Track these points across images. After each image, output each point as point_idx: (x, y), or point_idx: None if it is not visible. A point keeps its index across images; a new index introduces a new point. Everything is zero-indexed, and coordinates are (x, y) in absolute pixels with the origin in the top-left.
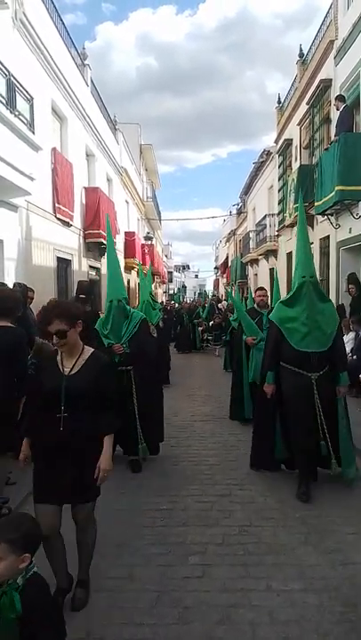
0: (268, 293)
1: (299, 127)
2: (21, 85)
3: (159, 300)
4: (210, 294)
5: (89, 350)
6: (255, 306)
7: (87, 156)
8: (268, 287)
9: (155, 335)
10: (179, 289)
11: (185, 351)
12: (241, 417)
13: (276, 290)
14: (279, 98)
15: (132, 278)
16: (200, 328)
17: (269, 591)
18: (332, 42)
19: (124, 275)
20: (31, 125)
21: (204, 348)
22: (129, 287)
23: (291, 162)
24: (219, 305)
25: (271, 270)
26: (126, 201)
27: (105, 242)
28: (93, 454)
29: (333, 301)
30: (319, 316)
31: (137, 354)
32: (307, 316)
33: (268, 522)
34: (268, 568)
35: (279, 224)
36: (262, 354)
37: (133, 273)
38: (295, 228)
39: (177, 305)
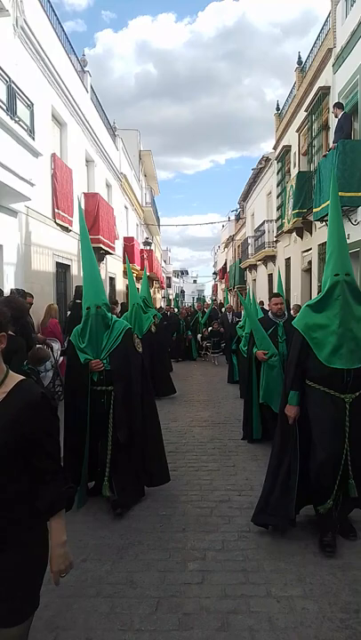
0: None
1: (297, 134)
2: (22, 91)
3: (158, 305)
4: (209, 299)
5: (15, 379)
6: (270, 314)
7: (87, 161)
8: (265, 294)
9: (139, 349)
10: (177, 294)
11: (178, 359)
12: (250, 437)
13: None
14: (278, 105)
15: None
16: (199, 335)
17: (269, 597)
18: (330, 50)
19: (122, 281)
20: (31, 131)
21: (202, 357)
22: (128, 293)
23: (289, 168)
24: (222, 310)
25: (270, 276)
26: (125, 206)
27: (104, 247)
28: (20, 551)
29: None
30: (355, 324)
31: (119, 371)
32: (339, 324)
33: (267, 527)
34: (268, 574)
35: (278, 230)
36: (273, 371)
37: (132, 278)
38: (293, 234)
39: (176, 310)
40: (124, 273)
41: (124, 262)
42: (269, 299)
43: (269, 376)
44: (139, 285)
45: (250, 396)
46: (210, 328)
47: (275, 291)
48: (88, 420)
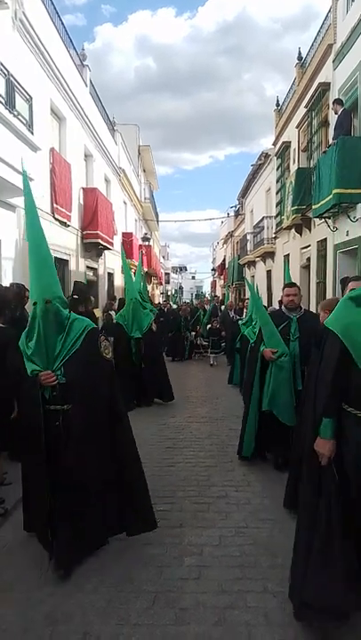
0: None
1: (297, 130)
2: (20, 85)
3: (156, 302)
4: (208, 296)
5: None
6: (283, 307)
7: (85, 156)
8: (264, 290)
9: (109, 356)
10: (176, 290)
11: (175, 359)
12: (245, 456)
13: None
14: (278, 100)
15: None
16: (193, 333)
17: (266, 592)
18: (330, 45)
19: (120, 276)
20: (30, 125)
21: (197, 357)
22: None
23: (289, 164)
24: (222, 307)
25: (268, 272)
26: (124, 202)
27: (102, 242)
28: None
29: None
30: None
31: (78, 385)
32: None
33: (264, 523)
34: (265, 569)
35: (277, 226)
36: (282, 373)
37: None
38: (292, 231)
39: (175, 306)
40: (122, 269)
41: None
42: (283, 289)
43: (277, 379)
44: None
45: (249, 401)
46: (208, 326)
47: (278, 287)
48: (44, 448)
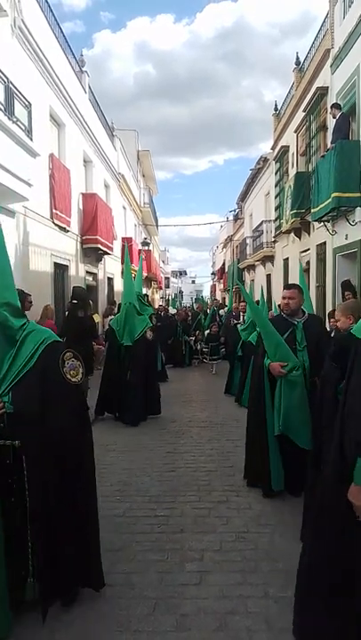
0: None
1: (295, 134)
2: (19, 92)
3: (156, 306)
4: (207, 300)
5: None
6: (282, 313)
7: (85, 162)
8: (264, 294)
9: (76, 378)
10: (176, 294)
11: (175, 366)
12: (268, 489)
13: (300, 281)
14: (276, 105)
15: None
16: (191, 338)
17: (267, 598)
18: (328, 50)
19: (120, 281)
20: (29, 131)
21: (197, 363)
22: None
23: (288, 168)
24: (220, 312)
25: (268, 276)
26: (124, 207)
27: (102, 247)
28: None
29: (330, 308)
30: None
31: (29, 415)
32: None
33: (265, 528)
34: (266, 575)
35: (276, 230)
36: (296, 391)
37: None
38: (292, 235)
39: (174, 311)
40: (122, 273)
41: (122, 262)
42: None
43: (290, 397)
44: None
45: (263, 426)
46: (207, 331)
47: (278, 290)
48: None
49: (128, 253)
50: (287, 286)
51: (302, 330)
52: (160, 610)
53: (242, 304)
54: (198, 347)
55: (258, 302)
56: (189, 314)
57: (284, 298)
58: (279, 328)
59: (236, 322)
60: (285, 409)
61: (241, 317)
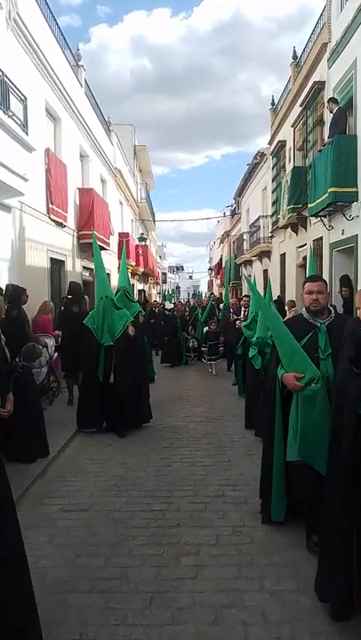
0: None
1: (292, 129)
2: (15, 85)
3: (152, 301)
4: (204, 295)
5: None
6: (303, 312)
7: (81, 156)
8: (260, 290)
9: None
10: (173, 290)
11: (173, 364)
12: (267, 519)
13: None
14: (273, 100)
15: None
16: (188, 336)
17: (262, 591)
18: (325, 44)
19: (117, 276)
20: (25, 126)
21: (193, 362)
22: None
23: (285, 163)
24: (220, 306)
25: (265, 271)
26: (120, 202)
27: (99, 243)
28: None
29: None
30: None
31: None
32: None
33: (261, 522)
34: (262, 568)
35: (273, 225)
36: (316, 408)
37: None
38: (288, 230)
39: (170, 306)
40: (119, 268)
41: (119, 258)
42: (303, 285)
43: (308, 416)
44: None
45: (269, 447)
46: (205, 328)
47: (274, 285)
48: None
49: (96, 244)
50: (313, 278)
51: (326, 333)
52: (156, 603)
53: (244, 299)
54: (191, 344)
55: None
56: (186, 309)
57: (310, 292)
58: (297, 331)
59: (236, 317)
60: (303, 431)
61: (242, 313)
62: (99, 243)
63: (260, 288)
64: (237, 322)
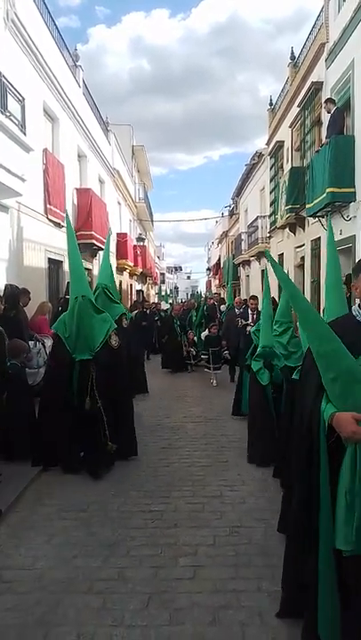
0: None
1: (290, 129)
2: (12, 86)
3: (151, 302)
4: (203, 294)
5: None
6: (357, 313)
7: (79, 157)
8: (259, 290)
9: None
10: (171, 290)
11: (175, 370)
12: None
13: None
14: (271, 100)
15: (125, 280)
16: (187, 341)
17: (260, 592)
18: (323, 45)
19: (115, 277)
20: (22, 126)
21: (191, 369)
22: (121, 289)
23: (282, 164)
24: (222, 307)
25: (263, 272)
26: (118, 202)
27: (97, 243)
28: None
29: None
30: None
31: None
32: None
33: (258, 523)
34: (259, 569)
35: (271, 226)
36: None
37: (126, 274)
38: (286, 230)
39: (167, 306)
40: (118, 269)
41: (117, 258)
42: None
43: None
44: (137, 283)
45: (312, 533)
46: (205, 333)
47: (273, 286)
48: None
49: (70, 225)
50: None
51: None
52: (154, 604)
53: (251, 301)
54: (185, 353)
55: (274, 300)
56: (183, 309)
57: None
58: (348, 337)
59: (245, 322)
60: None
61: (250, 317)
62: (98, 243)
63: (259, 288)
64: (247, 327)
